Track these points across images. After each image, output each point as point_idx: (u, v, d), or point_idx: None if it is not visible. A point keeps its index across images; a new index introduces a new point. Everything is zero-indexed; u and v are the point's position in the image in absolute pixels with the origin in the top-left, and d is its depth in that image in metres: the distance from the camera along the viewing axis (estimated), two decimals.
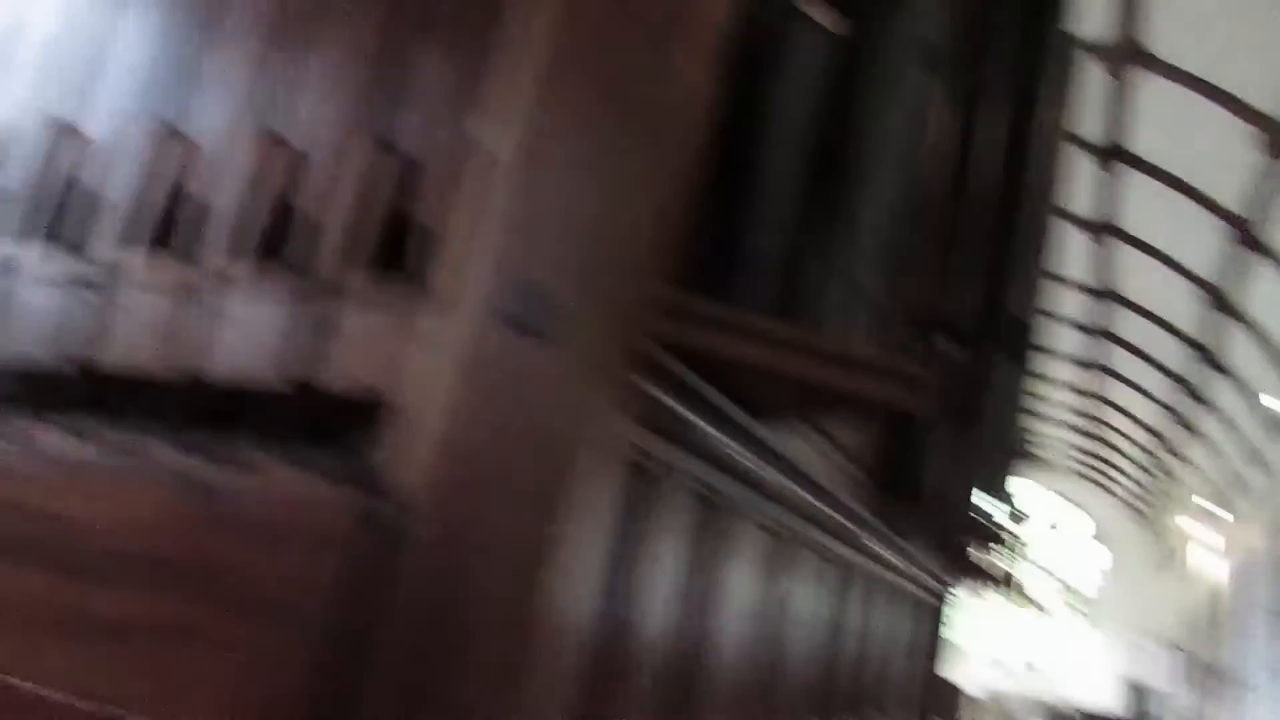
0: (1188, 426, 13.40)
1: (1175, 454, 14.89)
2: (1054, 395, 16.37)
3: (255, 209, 1.65)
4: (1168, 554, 20.39)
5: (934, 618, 4.57)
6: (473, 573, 1.32)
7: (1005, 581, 5.07)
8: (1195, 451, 14.07)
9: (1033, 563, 23.52)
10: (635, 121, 1.46)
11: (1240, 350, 10.36)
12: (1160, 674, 19.68)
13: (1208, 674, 15.54)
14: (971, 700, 18.84)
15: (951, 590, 4.26)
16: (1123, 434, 16.37)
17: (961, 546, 3.91)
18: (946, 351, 2.96)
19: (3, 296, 1.74)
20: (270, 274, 1.60)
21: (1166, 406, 13.39)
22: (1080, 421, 17.16)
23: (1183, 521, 17.05)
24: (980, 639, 23.39)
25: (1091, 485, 22.12)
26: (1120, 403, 14.91)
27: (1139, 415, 14.76)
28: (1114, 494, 21.72)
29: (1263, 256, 8.95)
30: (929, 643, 4.43)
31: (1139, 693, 18.11)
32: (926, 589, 4.07)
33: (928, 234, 2.90)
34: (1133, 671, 20.38)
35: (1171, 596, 20.38)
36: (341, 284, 1.55)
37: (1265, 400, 10.08)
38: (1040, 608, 23.25)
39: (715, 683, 2.02)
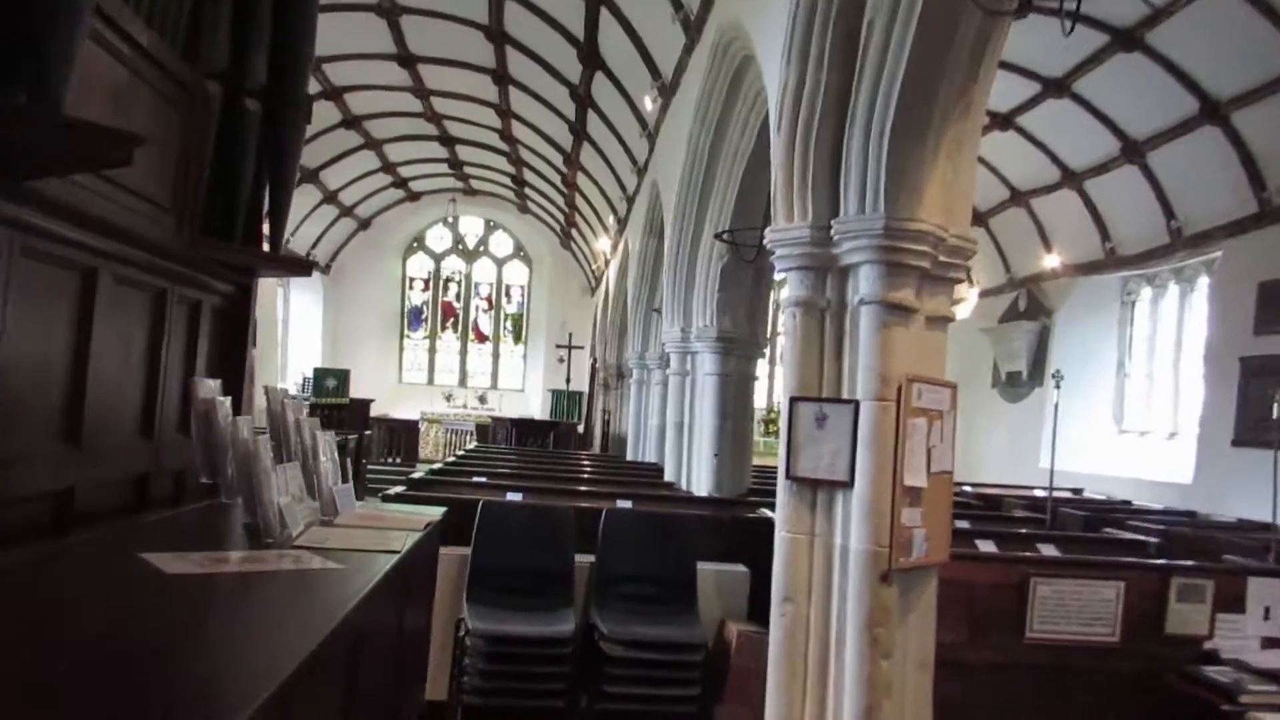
0: (581, 135, 13.75)
1: (578, 166, 15.42)
2: (472, 114, 15.86)
3: None
4: (590, 280, 22.13)
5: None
6: None
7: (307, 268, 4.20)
8: (594, 165, 14.65)
9: (462, 286, 24.26)
10: None
11: (619, 51, 10.36)
12: (579, 378, 21.89)
13: (609, 371, 17.34)
14: (411, 425, 19.37)
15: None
16: (534, 151, 16.57)
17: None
18: None
19: None
20: None
21: (563, 116, 13.52)
22: (498, 141, 17.03)
23: (597, 240, 18.32)
24: (428, 370, 24.14)
25: (513, 207, 22.85)
26: (526, 117, 14.83)
27: (544, 130, 14.88)
28: (534, 214, 22.71)
29: None
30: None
31: (556, 396, 19.90)
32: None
33: None
34: (553, 381, 22.40)
35: (587, 309, 22.44)
36: None
37: (646, 102, 10.23)
38: (481, 335, 24.28)
39: None
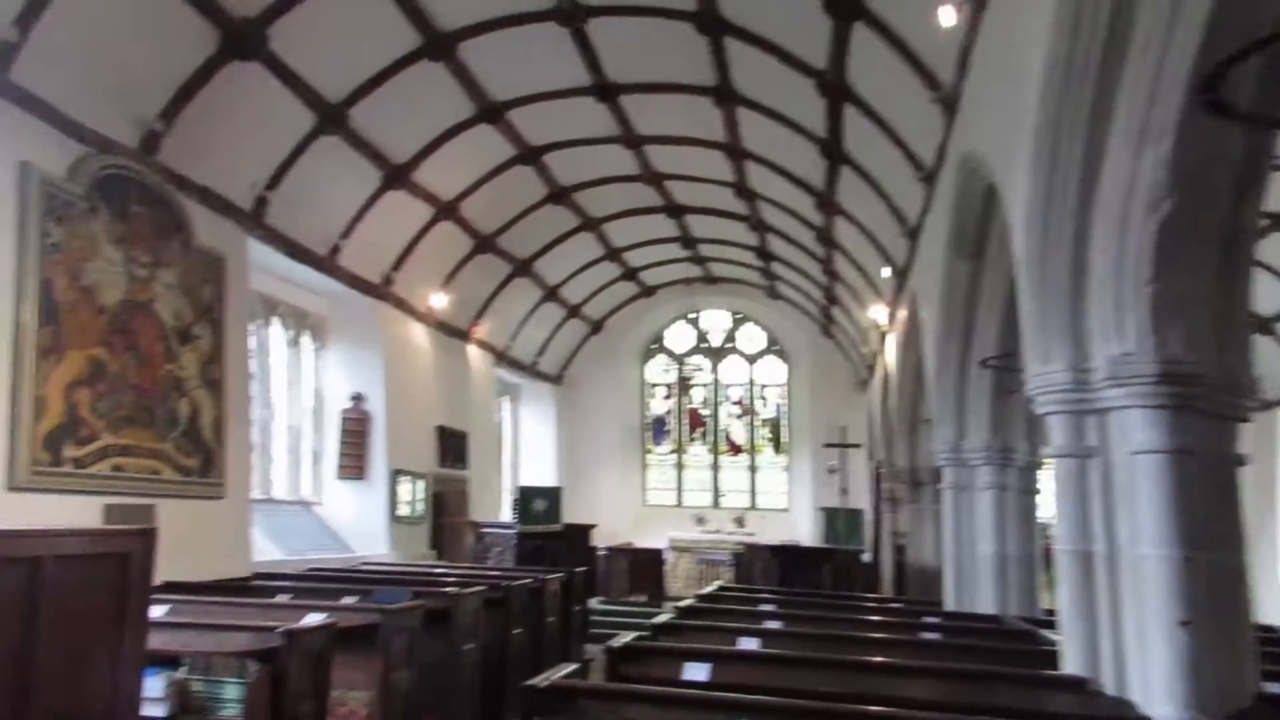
0: (838, 156, 10.16)
1: (835, 208, 11.79)
2: (695, 164, 12.87)
3: None
4: (861, 370, 18.17)
5: None
6: None
7: None
8: (857, 197, 11.02)
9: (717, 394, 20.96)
10: None
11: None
12: (857, 491, 17.65)
13: (899, 479, 13.11)
14: (655, 555, 16.01)
15: None
16: (777, 205, 13.21)
17: None
18: None
19: None
20: None
21: (810, 134, 10.06)
22: (732, 201, 13.89)
23: (865, 310, 14.51)
24: (677, 490, 20.83)
25: (760, 294, 19.42)
26: (762, 152, 11.55)
27: (789, 167, 11.50)
28: (786, 300, 19.13)
29: None
30: None
31: (830, 516, 15.70)
32: None
33: None
34: (825, 497, 18.24)
35: (859, 408, 18.30)
36: None
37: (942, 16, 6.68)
38: (735, 446, 20.78)
39: None
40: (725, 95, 10.36)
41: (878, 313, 13.30)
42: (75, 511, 6.91)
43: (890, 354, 12.88)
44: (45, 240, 6.75)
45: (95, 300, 7.21)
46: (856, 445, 15.50)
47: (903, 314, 11.30)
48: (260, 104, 8.52)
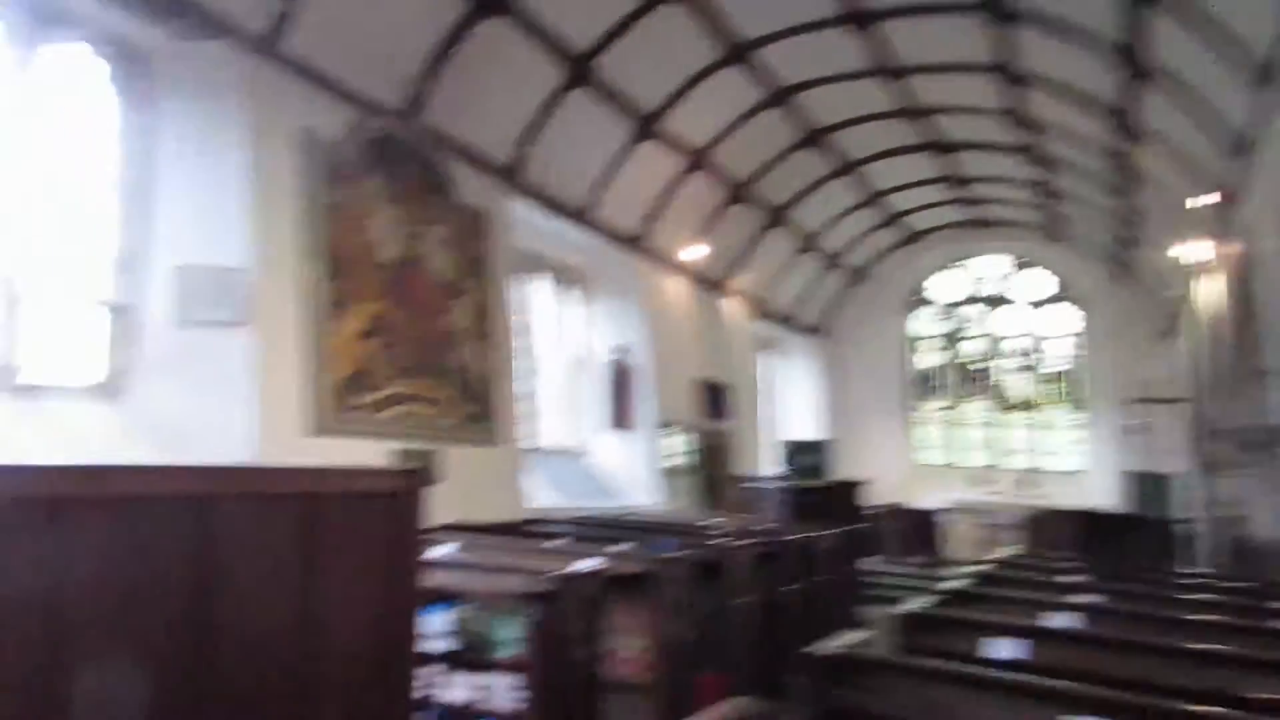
0: (1139, 70, 8.72)
1: (1136, 135, 10.23)
2: (963, 92, 11.73)
3: None
4: (1166, 317, 16.03)
5: None
6: None
7: None
8: (1170, 117, 9.48)
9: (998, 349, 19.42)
10: None
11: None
12: (1165, 453, 15.67)
13: (1228, 440, 11.35)
14: (924, 516, 15.20)
15: None
16: (1064, 131, 11.73)
17: None
18: None
19: None
20: None
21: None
22: (1010, 131, 12.54)
23: (1169, 250, 12.66)
24: (951, 449, 19.58)
25: (1039, 234, 17.55)
26: (1048, 70, 10.23)
27: (1077, 84, 10.11)
28: (1072, 240, 17.16)
29: None
30: None
31: (1137, 481, 13.96)
32: None
33: None
34: (1127, 459, 16.36)
35: (1163, 356, 16.15)
36: None
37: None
38: (1017, 403, 19.21)
39: None
40: (998, 9, 9.26)
41: (1193, 249, 11.53)
42: (369, 455, 7.42)
43: (1211, 296, 11.13)
44: (328, 201, 7.27)
45: (373, 257, 7.72)
46: (1177, 400, 13.55)
47: (1229, 249, 9.68)
48: (512, 60, 8.68)
